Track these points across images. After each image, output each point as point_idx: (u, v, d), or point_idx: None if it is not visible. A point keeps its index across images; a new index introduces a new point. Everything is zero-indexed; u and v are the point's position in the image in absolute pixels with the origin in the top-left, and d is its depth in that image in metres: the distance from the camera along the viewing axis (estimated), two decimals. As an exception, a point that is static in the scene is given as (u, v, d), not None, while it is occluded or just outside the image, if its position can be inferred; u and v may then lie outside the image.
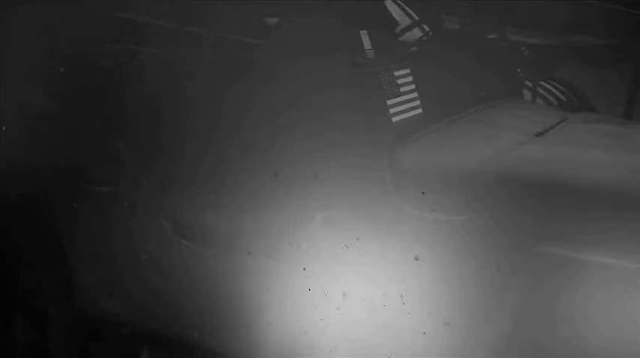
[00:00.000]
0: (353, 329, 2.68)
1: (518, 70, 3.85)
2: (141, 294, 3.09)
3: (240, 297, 2.87)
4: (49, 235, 3.19)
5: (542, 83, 4.28)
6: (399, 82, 2.95)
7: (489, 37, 3.81)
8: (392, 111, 2.85)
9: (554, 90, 4.40)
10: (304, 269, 2.71)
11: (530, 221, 2.51)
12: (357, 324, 2.68)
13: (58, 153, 3.10)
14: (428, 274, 2.57)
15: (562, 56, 4.55)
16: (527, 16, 4.28)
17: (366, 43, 3.05)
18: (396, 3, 3.72)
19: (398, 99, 2.91)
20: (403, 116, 2.89)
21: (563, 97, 4.40)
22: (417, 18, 3.70)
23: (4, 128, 3.20)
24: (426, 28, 3.70)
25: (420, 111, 2.97)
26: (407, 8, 3.71)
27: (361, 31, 3.03)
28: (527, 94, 3.98)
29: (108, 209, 3.09)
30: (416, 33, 3.66)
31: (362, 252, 2.65)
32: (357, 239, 2.65)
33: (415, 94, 2.98)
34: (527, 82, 3.99)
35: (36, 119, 3.14)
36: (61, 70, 3.14)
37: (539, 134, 2.97)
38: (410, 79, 2.98)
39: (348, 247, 2.66)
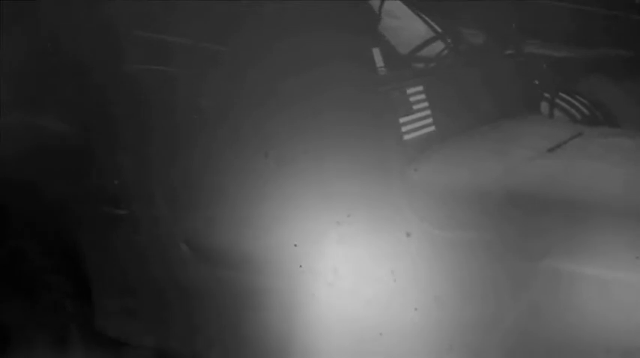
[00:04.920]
0: (344, 306, 2.68)
1: (536, 82, 3.84)
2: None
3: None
4: (67, 255, 3.22)
5: (562, 95, 4.26)
6: (412, 99, 2.97)
7: (507, 52, 3.81)
8: (404, 129, 2.88)
9: (576, 104, 4.37)
10: (295, 245, 2.71)
11: (534, 235, 2.54)
12: (349, 301, 2.67)
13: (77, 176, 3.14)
14: (419, 250, 2.59)
15: (584, 69, 4.53)
16: (545, 29, 4.28)
17: (378, 61, 3.07)
18: (419, 16, 3.74)
19: (410, 118, 2.93)
20: (415, 134, 2.92)
21: (585, 111, 4.37)
22: (440, 31, 3.71)
23: None
24: (448, 40, 3.71)
25: (432, 128, 2.99)
26: (430, 21, 3.73)
27: (373, 49, 3.05)
28: (545, 107, 3.97)
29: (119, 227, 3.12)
30: (436, 46, 3.67)
31: (353, 228, 2.64)
32: (348, 216, 2.66)
33: (428, 112, 2.99)
34: (545, 95, 3.98)
35: (52, 139, 3.17)
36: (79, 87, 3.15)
37: (550, 149, 2.98)
38: (423, 96, 3.00)
39: (339, 223, 2.66)
